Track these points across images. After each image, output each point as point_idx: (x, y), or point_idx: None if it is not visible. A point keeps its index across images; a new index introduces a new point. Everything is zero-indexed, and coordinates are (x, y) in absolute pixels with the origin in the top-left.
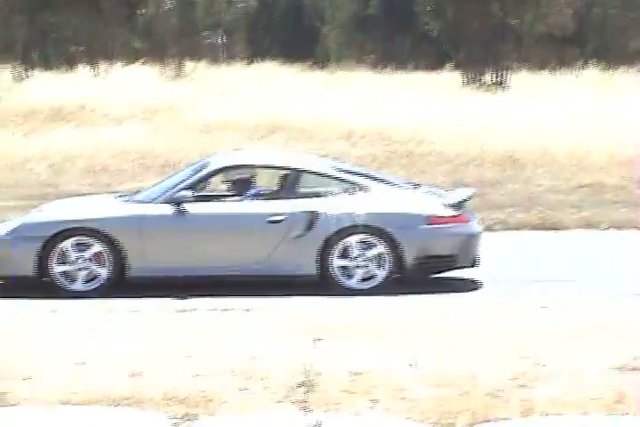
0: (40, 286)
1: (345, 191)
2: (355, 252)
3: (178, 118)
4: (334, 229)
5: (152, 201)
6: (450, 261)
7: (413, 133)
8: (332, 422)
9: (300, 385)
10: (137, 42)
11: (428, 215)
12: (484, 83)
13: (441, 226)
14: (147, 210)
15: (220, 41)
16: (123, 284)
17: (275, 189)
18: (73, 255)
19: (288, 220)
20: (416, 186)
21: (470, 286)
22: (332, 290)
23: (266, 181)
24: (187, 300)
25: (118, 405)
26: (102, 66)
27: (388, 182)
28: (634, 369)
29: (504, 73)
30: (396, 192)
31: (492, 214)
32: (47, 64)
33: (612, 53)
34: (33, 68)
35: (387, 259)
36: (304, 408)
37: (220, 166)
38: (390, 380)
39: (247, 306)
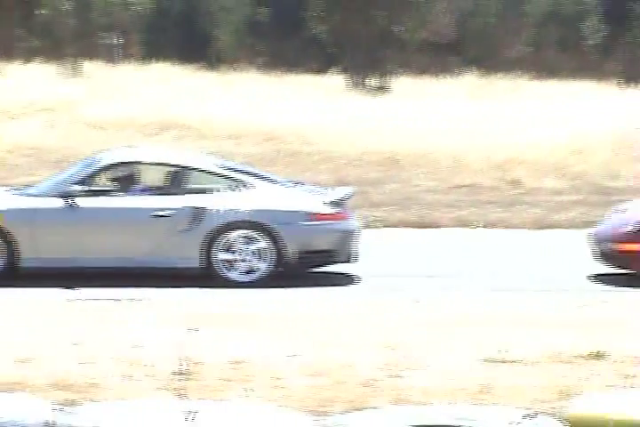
0: None
1: (229, 188)
2: (238, 246)
3: (73, 115)
4: (218, 224)
5: (44, 195)
6: (329, 256)
7: (299, 134)
8: (208, 409)
9: (177, 373)
10: (35, 41)
11: (308, 212)
12: (368, 86)
13: (321, 222)
14: (38, 203)
15: (116, 41)
16: (15, 274)
17: (162, 185)
18: None
19: (174, 215)
20: (298, 184)
21: (349, 280)
22: (216, 282)
23: (155, 177)
24: (76, 290)
25: (2, 391)
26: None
27: (271, 180)
28: (499, 361)
29: (387, 77)
30: (279, 190)
31: (373, 212)
32: None
33: (489, 60)
34: None
35: (268, 253)
36: (181, 396)
37: (111, 162)
38: (268, 369)
39: (134, 296)
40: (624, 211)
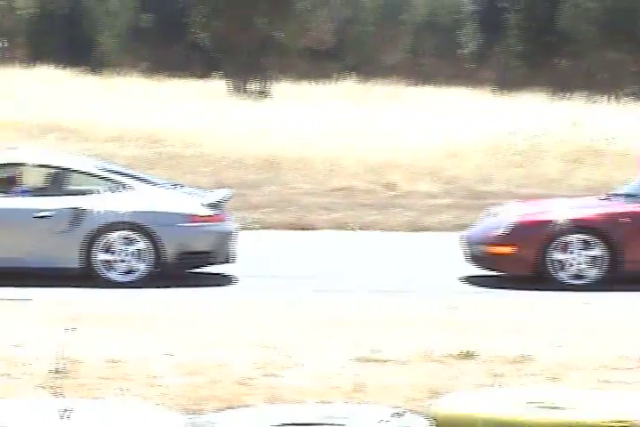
0: None
1: (110, 190)
2: (117, 247)
3: None
4: (98, 225)
5: None
6: (207, 257)
7: (181, 137)
8: (83, 407)
9: (55, 372)
10: None
11: (187, 214)
12: (249, 91)
13: (199, 224)
14: None
15: (0, 44)
16: None
17: (43, 186)
18: None
19: (54, 215)
20: (178, 186)
21: (226, 280)
22: (96, 282)
23: (37, 178)
24: None
25: None
26: None
27: (151, 182)
28: (371, 360)
29: (268, 82)
30: (159, 192)
31: (251, 214)
32: None
33: (368, 67)
34: None
35: (147, 254)
36: (58, 394)
37: None
38: (145, 368)
39: (15, 296)
40: (495, 214)
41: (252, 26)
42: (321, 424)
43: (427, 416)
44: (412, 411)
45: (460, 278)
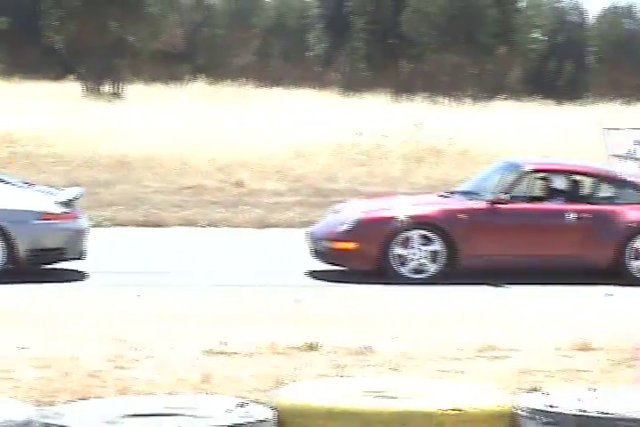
0: None
1: None
2: None
3: None
4: None
5: None
6: (59, 254)
7: (35, 137)
8: None
9: None
10: None
11: (39, 211)
12: (103, 93)
13: (51, 221)
14: None
15: None
16: None
17: None
18: None
19: None
20: (30, 185)
21: (79, 276)
22: None
23: None
24: None
25: None
26: None
27: (3, 181)
28: (219, 353)
29: (120, 84)
30: (11, 190)
31: (102, 212)
32: None
33: (218, 69)
34: None
35: (1, 251)
36: None
37: None
38: None
39: None
40: (339, 211)
41: (105, 29)
42: (168, 415)
43: (270, 406)
44: (256, 401)
45: (306, 273)
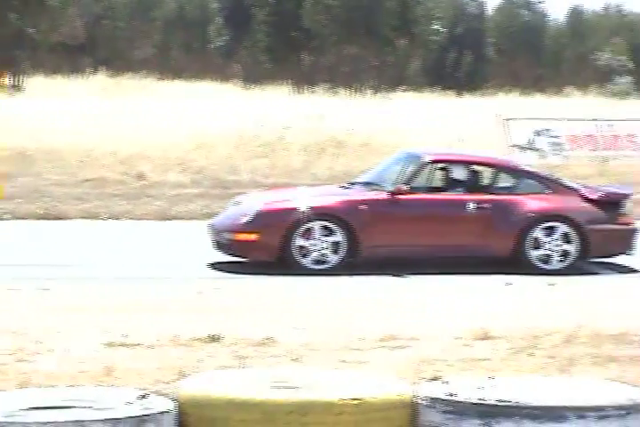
0: None
1: None
2: None
3: None
4: None
5: None
6: None
7: None
8: None
9: None
10: None
11: None
12: (3, 85)
13: None
14: None
15: None
16: None
17: None
18: None
19: None
20: None
21: None
22: None
23: None
24: None
25: None
26: None
27: None
28: (121, 345)
29: (21, 77)
30: None
31: (3, 205)
32: None
33: (119, 61)
34: None
35: None
36: None
37: None
38: None
39: None
40: (240, 203)
41: (4, 21)
42: (69, 407)
43: (171, 398)
44: (157, 393)
45: (209, 265)
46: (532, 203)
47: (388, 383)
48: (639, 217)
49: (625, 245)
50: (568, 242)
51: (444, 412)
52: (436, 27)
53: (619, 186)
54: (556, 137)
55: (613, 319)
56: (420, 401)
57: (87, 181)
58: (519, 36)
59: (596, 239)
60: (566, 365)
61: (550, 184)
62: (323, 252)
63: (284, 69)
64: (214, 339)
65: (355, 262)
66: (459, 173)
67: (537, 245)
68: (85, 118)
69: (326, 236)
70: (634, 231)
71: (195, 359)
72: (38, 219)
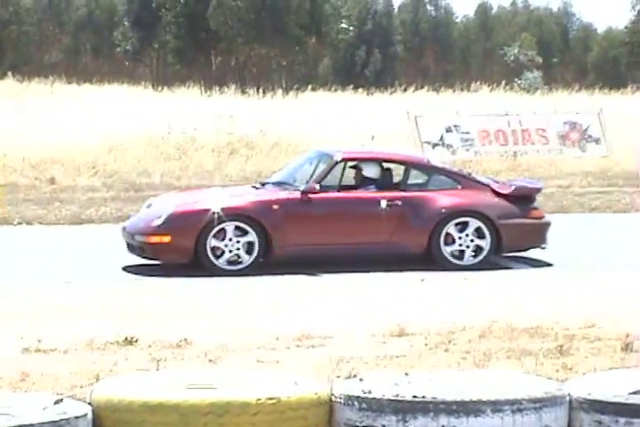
0: None
1: None
2: None
3: None
4: None
5: None
6: None
7: None
8: None
9: None
10: None
11: None
12: None
13: None
14: None
15: None
16: None
17: None
18: None
19: None
20: None
21: None
22: None
23: None
24: None
25: None
26: None
27: None
28: (37, 350)
29: None
30: None
31: None
32: None
33: (28, 66)
34: None
35: None
36: None
37: None
38: None
39: None
40: (152, 205)
41: None
42: None
43: (86, 402)
44: (72, 397)
45: (124, 268)
46: (444, 199)
47: (304, 382)
48: (550, 211)
49: (538, 239)
50: (481, 237)
51: (361, 409)
52: (344, 25)
53: (529, 180)
54: (466, 133)
55: (527, 313)
56: (336, 399)
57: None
58: (426, 33)
59: (508, 234)
60: (482, 359)
61: (462, 180)
62: (236, 252)
63: (194, 71)
64: (129, 342)
65: (268, 262)
66: (370, 171)
67: (450, 241)
68: None
69: (239, 236)
70: (546, 225)
71: (110, 363)
72: None
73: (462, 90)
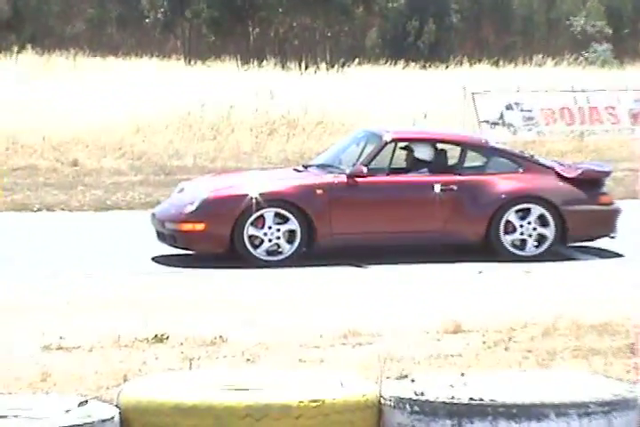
0: None
1: None
2: None
3: None
4: None
5: None
6: None
7: None
8: None
9: None
10: None
11: None
12: None
13: None
14: None
15: None
16: None
17: None
18: None
19: None
20: None
21: None
22: None
23: None
24: None
25: None
26: None
27: None
28: (59, 348)
29: None
30: None
31: None
32: None
33: (48, 39)
34: None
35: None
36: None
37: None
38: None
39: None
40: (185, 190)
41: None
42: (3, 417)
43: (113, 404)
44: (98, 399)
45: (153, 258)
46: (504, 183)
47: (350, 383)
48: (620, 197)
49: (607, 228)
50: (544, 225)
51: (412, 412)
52: None
53: (598, 163)
54: (528, 111)
55: (595, 309)
56: (385, 402)
57: (16, 169)
58: (485, 2)
59: (574, 222)
60: (545, 359)
61: (523, 162)
62: (276, 242)
63: (229, 43)
64: (160, 339)
65: (311, 252)
66: (423, 153)
67: (510, 230)
68: (13, 100)
69: (280, 224)
70: (615, 212)
71: (139, 362)
72: None
73: (524, 64)
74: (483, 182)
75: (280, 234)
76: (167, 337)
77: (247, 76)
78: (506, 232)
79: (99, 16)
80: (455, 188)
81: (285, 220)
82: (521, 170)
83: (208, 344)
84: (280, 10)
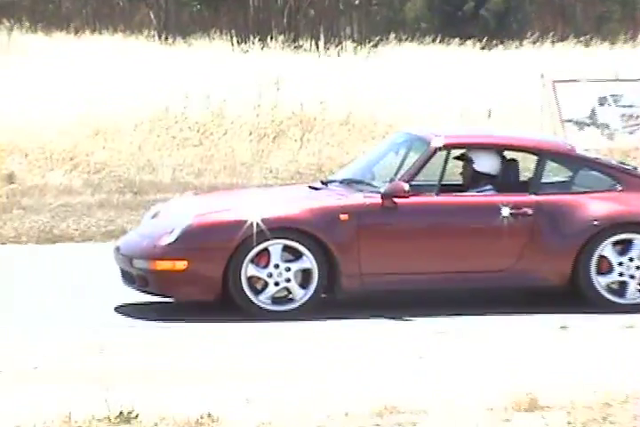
0: None
1: None
2: None
3: None
4: None
5: None
6: None
7: None
8: None
9: None
10: None
11: None
12: None
13: None
14: None
15: None
16: None
17: None
18: None
19: None
20: None
21: None
22: None
23: None
24: None
25: None
26: None
27: None
28: None
29: None
30: None
31: None
32: None
33: None
34: None
35: None
36: None
37: None
38: None
39: None
40: (159, 214)
41: None
42: None
43: None
44: None
45: (117, 308)
46: (597, 206)
47: None
48: None
49: None
50: None
51: None
52: None
53: None
54: (629, 106)
55: None
56: None
57: None
58: None
59: None
60: None
61: (623, 177)
62: (286, 285)
63: (221, 15)
64: (125, 419)
65: (333, 299)
66: (485, 164)
67: (606, 269)
68: None
69: (290, 261)
70: None
71: None
72: None
73: (624, 43)
74: (567, 204)
75: (290, 275)
76: (136, 415)
77: (245, 58)
78: (599, 272)
79: None
80: (530, 211)
81: (298, 255)
82: (619, 187)
83: (193, 425)
84: None
